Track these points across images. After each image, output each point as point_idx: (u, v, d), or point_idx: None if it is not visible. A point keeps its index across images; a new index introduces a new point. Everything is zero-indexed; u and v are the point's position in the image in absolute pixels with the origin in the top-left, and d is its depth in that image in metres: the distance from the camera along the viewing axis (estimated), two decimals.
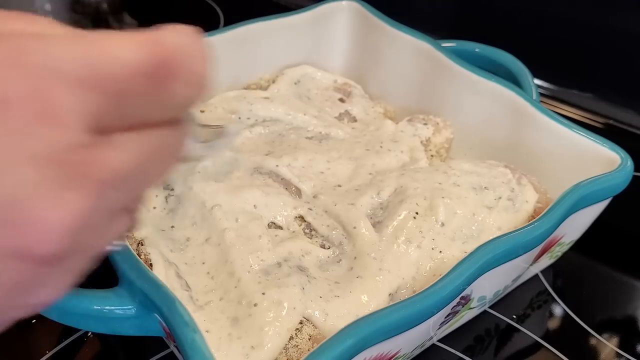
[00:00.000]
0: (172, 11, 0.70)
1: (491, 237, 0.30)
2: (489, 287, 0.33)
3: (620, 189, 0.35)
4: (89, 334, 0.35)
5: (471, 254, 0.29)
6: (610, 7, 0.53)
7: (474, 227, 0.34)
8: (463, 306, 0.32)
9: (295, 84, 0.46)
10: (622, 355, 0.37)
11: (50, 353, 0.34)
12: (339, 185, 0.37)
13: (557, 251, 0.38)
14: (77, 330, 0.35)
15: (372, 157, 0.39)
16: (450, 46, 0.44)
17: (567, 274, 0.41)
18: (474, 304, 0.33)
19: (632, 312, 0.40)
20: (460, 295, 0.29)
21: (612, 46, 0.55)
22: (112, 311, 0.26)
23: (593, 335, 0.38)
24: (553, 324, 0.39)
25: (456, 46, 0.45)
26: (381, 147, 0.40)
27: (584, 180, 0.34)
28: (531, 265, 0.36)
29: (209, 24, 0.64)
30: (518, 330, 0.38)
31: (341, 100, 0.45)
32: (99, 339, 0.35)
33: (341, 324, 0.26)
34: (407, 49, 0.45)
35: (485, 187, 0.36)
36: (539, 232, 0.31)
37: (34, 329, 0.35)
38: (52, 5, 0.67)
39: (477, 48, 0.45)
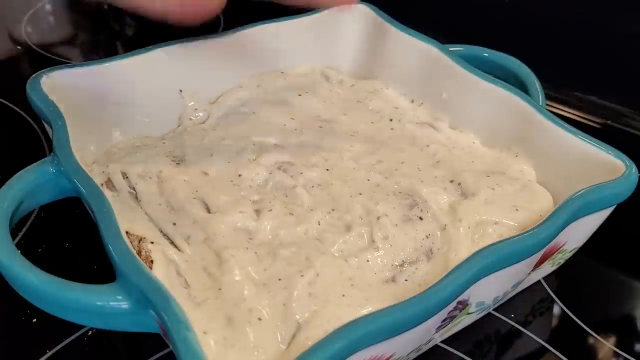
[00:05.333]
0: None
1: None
2: (488, 293, 0.33)
3: (624, 196, 0.34)
4: (90, 333, 0.35)
5: (467, 259, 0.29)
6: (612, 8, 0.53)
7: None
8: (460, 311, 0.32)
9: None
10: None
11: (50, 352, 0.35)
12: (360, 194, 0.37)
13: (560, 258, 0.37)
14: (78, 329, 0.35)
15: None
16: (458, 50, 0.45)
17: (571, 278, 0.41)
18: (472, 309, 0.33)
19: None
20: (457, 300, 0.29)
21: (616, 48, 0.54)
22: (109, 306, 0.27)
23: (598, 340, 0.37)
24: (557, 328, 0.38)
25: (464, 51, 0.45)
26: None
27: (586, 187, 0.33)
28: (532, 271, 0.36)
29: (209, 25, 0.65)
30: (521, 334, 0.37)
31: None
32: (100, 338, 0.36)
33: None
34: (415, 53, 0.45)
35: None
36: (538, 239, 0.31)
37: (34, 328, 0.36)
38: (52, 6, 0.68)
39: (485, 53, 0.45)
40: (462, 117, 0.43)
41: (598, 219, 0.35)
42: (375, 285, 0.32)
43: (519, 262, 0.30)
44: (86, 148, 0.37)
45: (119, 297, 0.27)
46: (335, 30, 0.48)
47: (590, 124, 0.56)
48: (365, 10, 0.47)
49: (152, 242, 0.32)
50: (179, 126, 0.43)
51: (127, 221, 0.33)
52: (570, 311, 0.39)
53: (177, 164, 0.38)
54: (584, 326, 0.38)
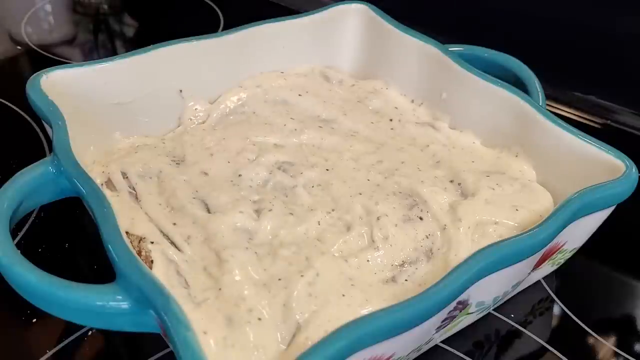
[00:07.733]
0: (172, 12, 0.70)
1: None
2: (488, 293, 0.33)
3: (624, 197, 0.34)
4: (90, 333, 0.35)
5: (467, 259, 0.29)
6: (612, 8, 0.53)
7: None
8: (460, 311, 0.32)
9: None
10: None
11: (50, 352, 0.35)
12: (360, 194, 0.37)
13: (559, 258, 0.37)
14: (78, 329, 0.35)
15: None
16: (458, 50, 0.45)
17: (571, 278, 0.41)
18: (472, 309, 0.33)
19: None
20: (457, 300, 0.29)
21: (616, 48, 0.54)
22: (108, 306, 0.27)
23: (598, 340, 0.37)
24: (557, 328, 0.38)
25: (464, 51, 0.45)
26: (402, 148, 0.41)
27: (586, 187, 0.33)
28: (532, 271, 0.36)
29: (209, 25, 0.65)
30: (521, 334, 0.37)
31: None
32: (100, 338, 0.36)
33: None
34: (414, 53, 0.45)
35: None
36: (538, 239, 0.31)
37: (34, 328, 0.36)
38: (52, 6, 0.68)
39: (486, 53, 0.45)
40: (462, 117, 0.43)
41: (598, 219, 0.35)
42: (375, 285, 0.32)
43: (519, 262, 0.30)
44: (86, 148, 0.37)
45: (119, 297, 0.27)
46: (335, 30, 0.48)
47: (590, 124, 0.56)
48: (365, 10, 0.48)
49: (152, 242, 0.32)
50: (179, 126, 0.43)
51: (127, 221, 0.33)
52: (570, 311, 0.39)
53: (177, 164, 0.38)
54: (584, 326, 0.38)
